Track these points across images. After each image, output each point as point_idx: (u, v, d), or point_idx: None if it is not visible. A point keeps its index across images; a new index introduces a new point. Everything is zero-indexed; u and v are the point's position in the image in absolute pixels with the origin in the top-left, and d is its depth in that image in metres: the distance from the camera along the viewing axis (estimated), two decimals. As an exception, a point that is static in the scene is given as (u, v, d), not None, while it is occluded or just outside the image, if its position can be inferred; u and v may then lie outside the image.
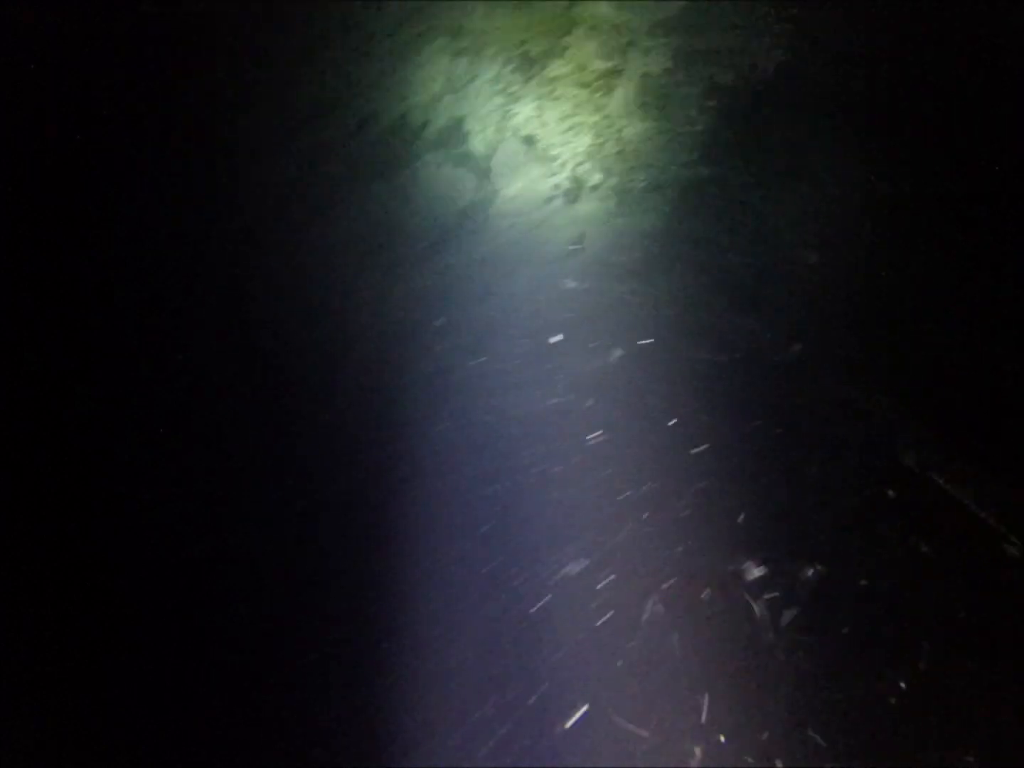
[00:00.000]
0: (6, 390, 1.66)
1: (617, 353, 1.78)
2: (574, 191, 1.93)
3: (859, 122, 1.86)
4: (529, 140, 1.96)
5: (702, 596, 1.54)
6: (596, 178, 1.93)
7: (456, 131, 1.93)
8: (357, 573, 1.59)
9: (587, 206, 1.92)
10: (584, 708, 1.45)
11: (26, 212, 1.80)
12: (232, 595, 1.55)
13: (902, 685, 1.43)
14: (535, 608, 1.55)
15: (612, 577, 1.56)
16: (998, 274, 1.72)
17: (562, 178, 1.93)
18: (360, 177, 1.90)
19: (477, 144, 1.95)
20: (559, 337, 1.81)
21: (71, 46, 1.80)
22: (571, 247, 1.89)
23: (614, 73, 1.92)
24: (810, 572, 1.53)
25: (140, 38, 1.82)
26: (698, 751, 1.41)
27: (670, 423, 1.71)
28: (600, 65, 1.93)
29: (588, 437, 1.71)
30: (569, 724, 1.45)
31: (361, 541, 1.61)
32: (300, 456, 1.69)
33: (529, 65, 1.93)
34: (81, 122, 1.82)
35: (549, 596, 1.56)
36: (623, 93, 1.93)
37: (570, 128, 1.95)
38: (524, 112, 1.96)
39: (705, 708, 1.43)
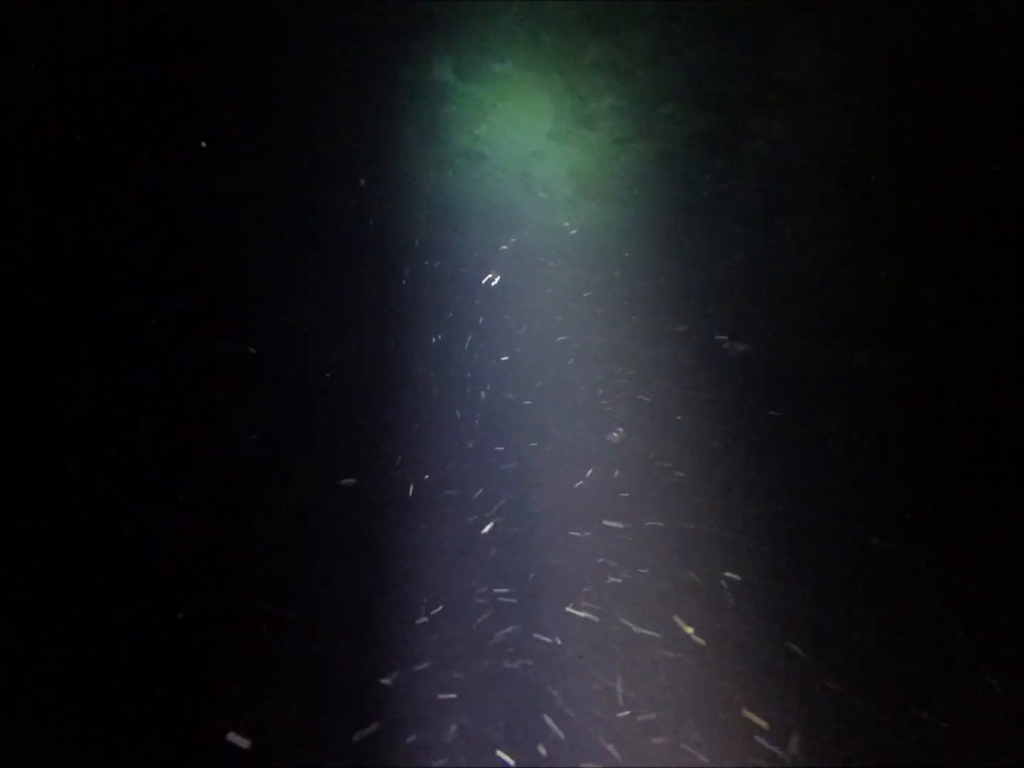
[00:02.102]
0: (6, 390, 1.66)
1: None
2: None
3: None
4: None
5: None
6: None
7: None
8: (360, 576, 1.59)
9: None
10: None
11: (26, 212, 1.80)
12: (233, 595, 1.54)
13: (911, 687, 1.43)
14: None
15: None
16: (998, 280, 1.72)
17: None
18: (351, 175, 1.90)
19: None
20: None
21: (71, 46, 1.80)
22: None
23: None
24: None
25: (140, 38, 1.82)
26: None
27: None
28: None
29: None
30: None
31: (365, 538, 1.61)
32: (301, 455, 1.69)
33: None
34: (81, 122, 1.82)
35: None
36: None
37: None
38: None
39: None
